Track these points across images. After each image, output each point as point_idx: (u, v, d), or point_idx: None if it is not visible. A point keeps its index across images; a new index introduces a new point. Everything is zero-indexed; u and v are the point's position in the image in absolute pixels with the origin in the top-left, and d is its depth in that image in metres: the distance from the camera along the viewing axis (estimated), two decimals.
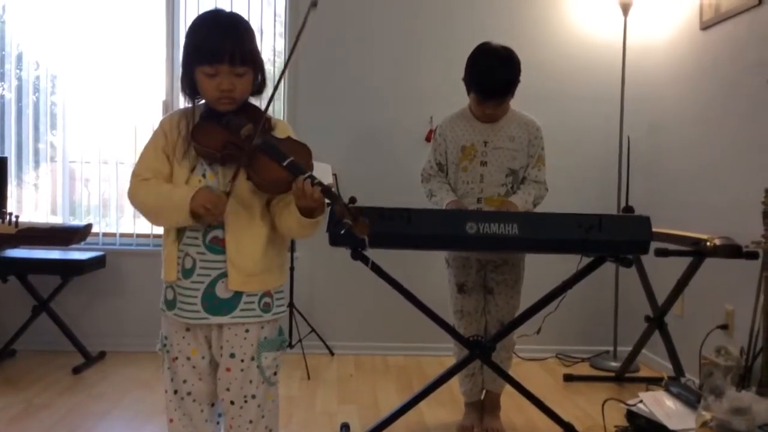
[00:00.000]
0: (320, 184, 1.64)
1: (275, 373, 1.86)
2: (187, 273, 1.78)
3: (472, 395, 2.97)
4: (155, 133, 1.84)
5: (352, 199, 1.62)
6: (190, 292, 1.78)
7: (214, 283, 1.77)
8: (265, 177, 1.71)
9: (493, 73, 2.69)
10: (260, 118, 1.78)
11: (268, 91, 1.84)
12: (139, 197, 1.80)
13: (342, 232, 1.61)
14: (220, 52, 1.71)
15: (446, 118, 2.92)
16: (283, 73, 1.94)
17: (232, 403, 1.83)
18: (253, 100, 1.88)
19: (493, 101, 2.73)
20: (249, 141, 1.71)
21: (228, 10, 1.94)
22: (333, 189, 1.68)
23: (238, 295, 1.78)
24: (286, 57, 1.77)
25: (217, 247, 1.77)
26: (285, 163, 1.68)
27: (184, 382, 1.85)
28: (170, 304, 1.83)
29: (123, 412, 3.13)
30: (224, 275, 1.77)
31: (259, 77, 1.82)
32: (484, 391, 2.99)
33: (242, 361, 1.81)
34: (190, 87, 1.81)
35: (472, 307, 2.90)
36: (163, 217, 1.80)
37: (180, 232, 1.80)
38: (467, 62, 2.77)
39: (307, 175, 1.66)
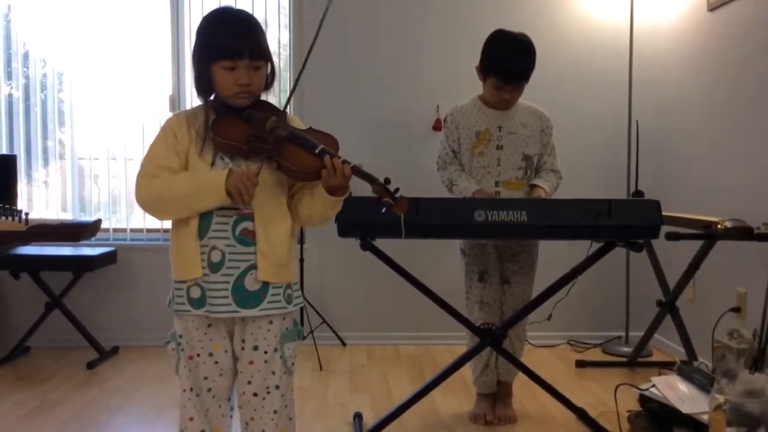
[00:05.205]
0: (356, 166, 1.71)
1: (293, 363, 1.88)
2: (215, 267, 1.76)
3: (486, 387, 2.95)
4: (163, 134, 1.80)
5: (387, 180, 1.69)
6: (219, 285, 1.76)
7: (243, 275, 1.77)
8: (298, 165, 1.73)
9: (514, 56, 2.69)
10: (279, 110, 1.82)
11: (276, 86, 1.85)
12: (156, 190, 1.75)
13: (383, 210, 1.65)
14: (241, 47, 1.73)
15: (455, 107, 2.90)
16: (301, 71, 1.92)
17: (255, 395, 1.84)
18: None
19: (512, 85, 2.72)
20: (274, 133, 1.72)
21: (233, 5, 1.95)
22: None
23: (265, 287, 1.78)
24: (305, 55, 1.79)
25: (247, 239, 1.77)
26: (317, 151, 1.73)
27: (205, 379, 1.84)
28: (197, 302, 1.78)
29: (136, 406, 3.15)
30: (253, 267, 1.77)
31: (268, 71, 1.84)
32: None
33: (266, 352, 1.82)
34: (205, 85, 1.81)
35: (491, 297, 2.87)
36: (194, 202, 1.73)
37: (203, 227, 1.76)
38: (484, 48, 2.76)
39: (341, 160, 1.72)
